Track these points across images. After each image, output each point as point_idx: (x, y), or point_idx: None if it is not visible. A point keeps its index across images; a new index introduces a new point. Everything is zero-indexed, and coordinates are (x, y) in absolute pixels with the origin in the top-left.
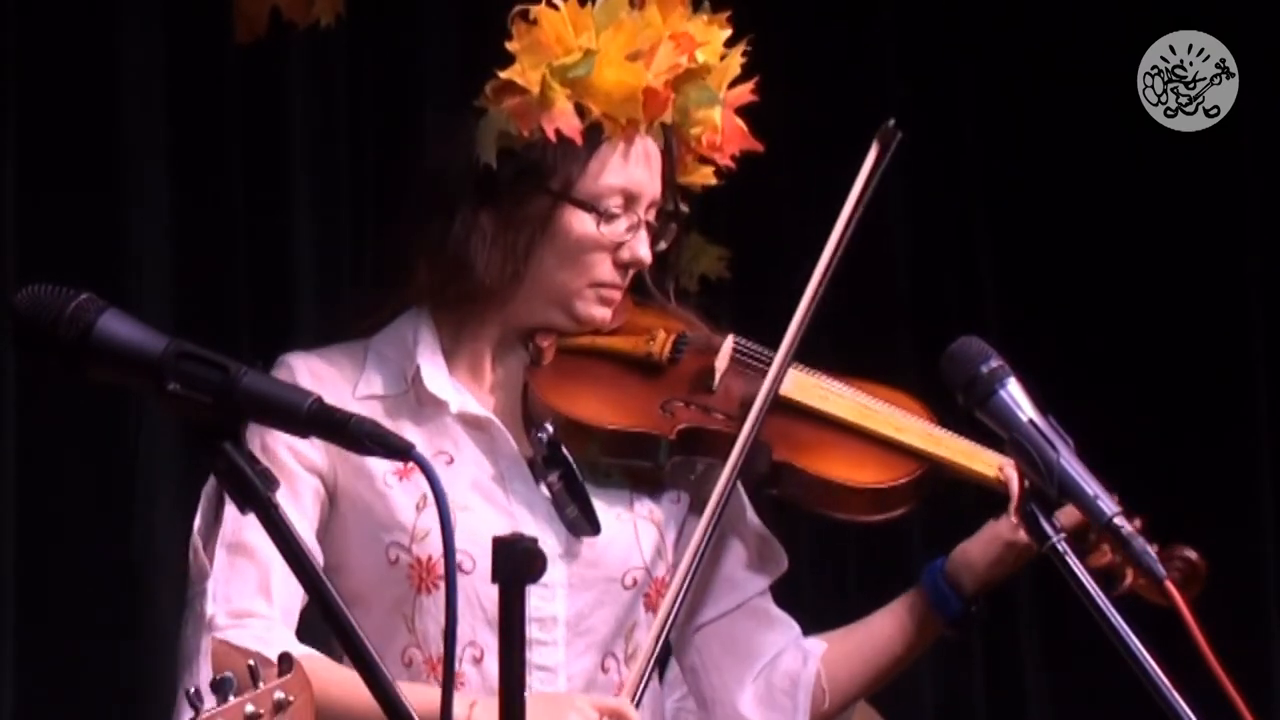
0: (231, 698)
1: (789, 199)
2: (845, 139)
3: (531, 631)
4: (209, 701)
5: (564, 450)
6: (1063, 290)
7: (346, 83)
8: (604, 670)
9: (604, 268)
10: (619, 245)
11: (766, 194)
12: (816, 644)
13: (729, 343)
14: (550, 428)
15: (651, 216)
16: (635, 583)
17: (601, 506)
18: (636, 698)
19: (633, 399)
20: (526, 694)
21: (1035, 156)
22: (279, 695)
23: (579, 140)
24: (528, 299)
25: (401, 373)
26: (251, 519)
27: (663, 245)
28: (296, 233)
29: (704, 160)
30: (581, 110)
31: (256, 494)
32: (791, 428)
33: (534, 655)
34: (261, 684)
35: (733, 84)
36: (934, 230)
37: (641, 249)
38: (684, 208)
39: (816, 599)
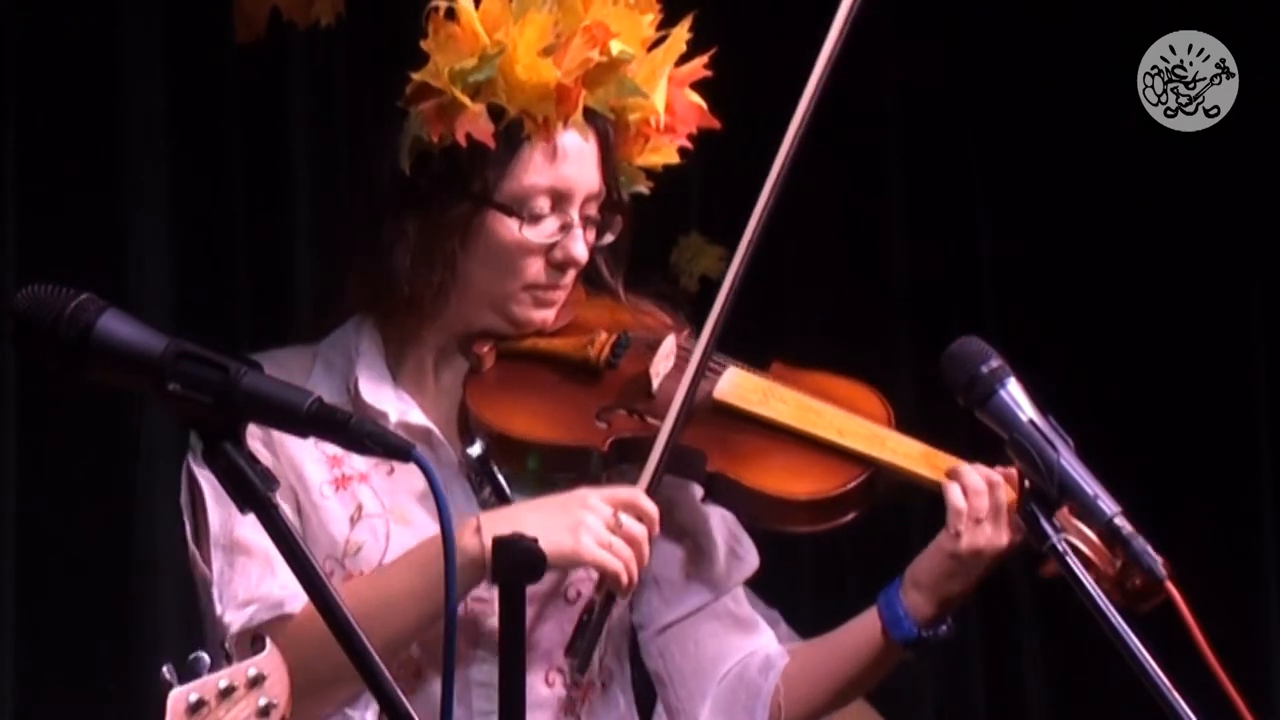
0: (205, 675)
1: (788, 198)
2: (844, 138)
3: (466, 646)
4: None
5: (492, 466)
6: (1063, 290)
7: (347, 83)
8: (548, 684)
9: (535, 269)
10: (550, 246)
11: (756, 178)
12: (781, 656)
13: (669, 342)
14: (480, 444)
15: (594, 210)
16: (579, 595)
17: None
18: (649, 489)
19: (566, 409)
20: (534, 514)
21: (1034, 156)
22: (253, 672)
23: (491, 143)
24: (462, 306)
25: (344, 381)
26: (239, 516)
27: (609, 238)
28: (297, 232)
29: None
30: (497, 110)
31: (257, 494)
32: (728, 435)
33: (472, 671)
34: (235, 661)
35: (683, 60)
36: (933, 230)
37: (575, 248)
38: (643, 189)
39: (816, 599)
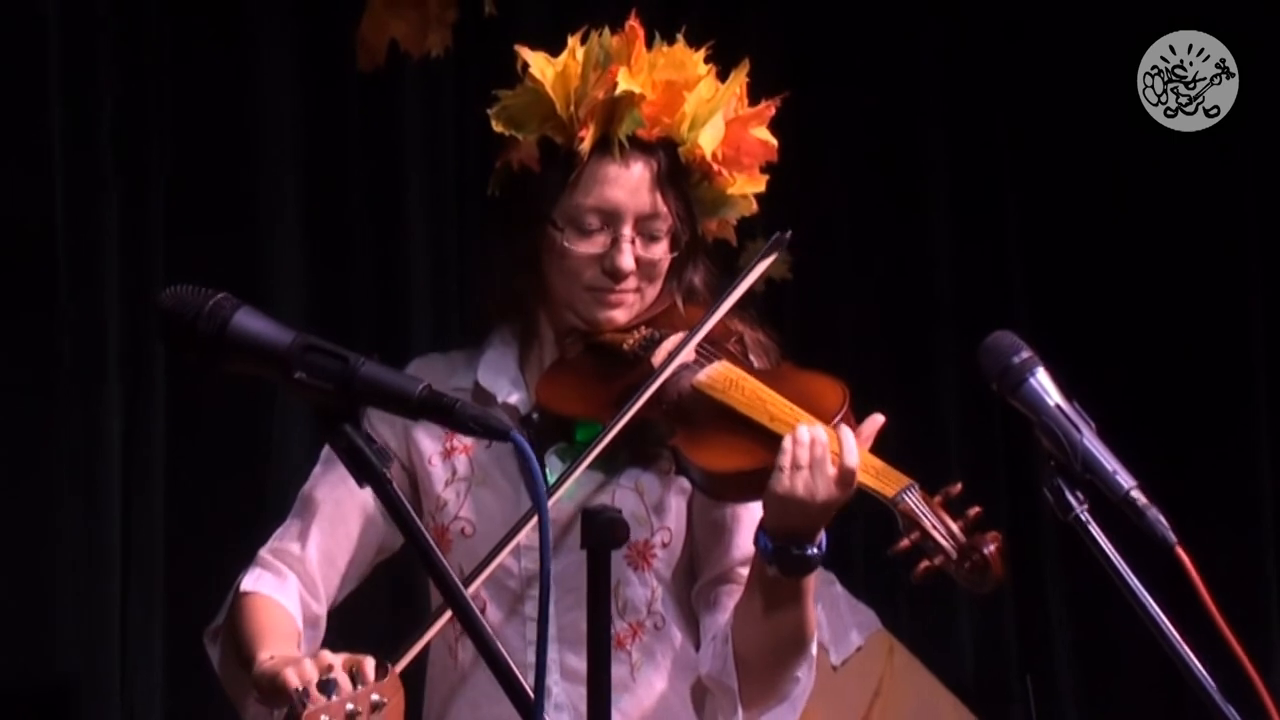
0: (334, 697)
1: (838, 201)
2: (884, 135)
3: (522, 588)
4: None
5: (530, 434)
6: (1086, 289)
7: (454, 106)
8: None
9: (590, 274)
10: (601, 257)
11: (815, 194)
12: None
13: (671, 340)
14: (535, 416)
15: (657, 228)
16: None
17: (584, 476)
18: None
19: (597, 392)
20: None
21: (1062, 169)
22: (375, 697)
23: (536, 168)
24: (550, 308)
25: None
26: (326, 477)
27: (659, 252)
28: (413, 238)
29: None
30: (549, 142)
31: (374, 470)
32: (695, 417)
33: (525, 608)
34: (360, 686)
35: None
36: (972, 235)
37: (621, 260)
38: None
39: (866, 563)
